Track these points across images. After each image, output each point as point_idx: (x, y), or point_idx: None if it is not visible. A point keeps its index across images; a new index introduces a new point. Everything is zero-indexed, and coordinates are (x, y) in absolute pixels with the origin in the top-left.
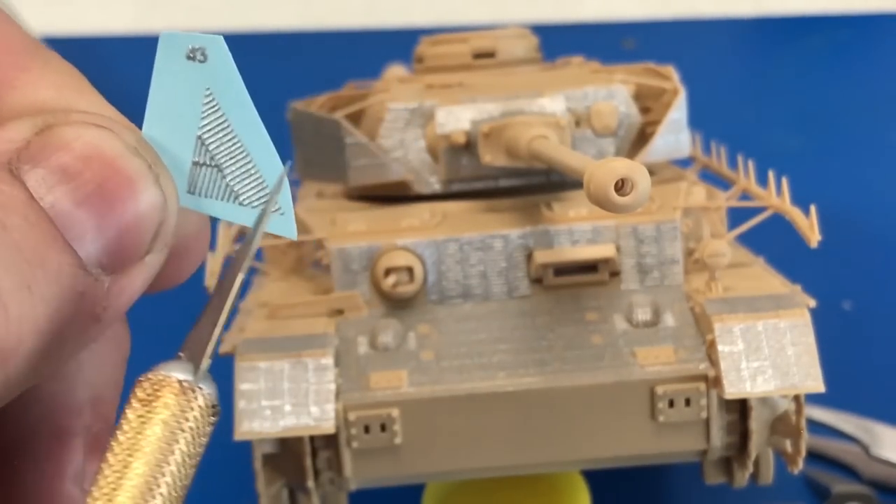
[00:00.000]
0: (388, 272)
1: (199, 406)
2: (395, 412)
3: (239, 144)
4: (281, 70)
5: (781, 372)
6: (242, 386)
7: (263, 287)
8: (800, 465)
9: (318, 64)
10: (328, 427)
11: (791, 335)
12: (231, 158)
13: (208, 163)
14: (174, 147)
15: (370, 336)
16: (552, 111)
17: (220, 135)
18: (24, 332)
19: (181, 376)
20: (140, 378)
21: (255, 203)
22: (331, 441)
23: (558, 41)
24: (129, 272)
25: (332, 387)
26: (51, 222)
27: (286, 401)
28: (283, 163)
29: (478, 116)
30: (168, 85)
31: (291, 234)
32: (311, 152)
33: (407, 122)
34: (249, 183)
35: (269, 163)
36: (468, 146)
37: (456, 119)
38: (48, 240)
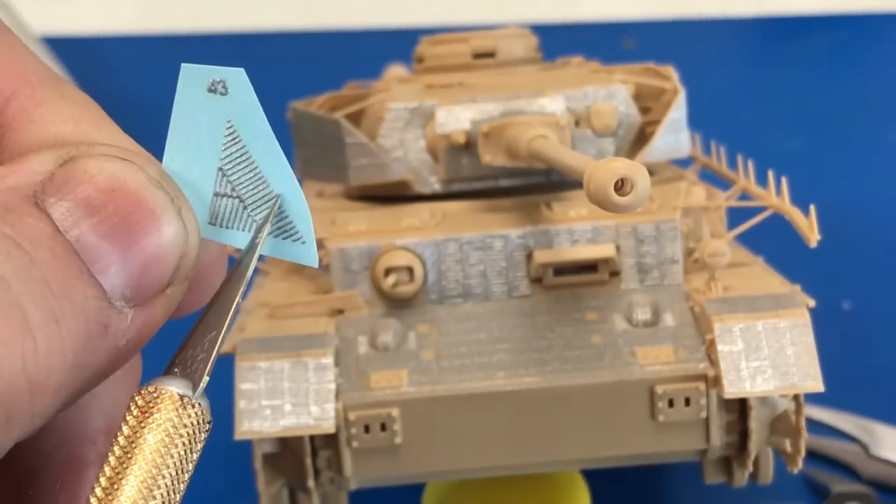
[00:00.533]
0: (388, 272)
1: (197, 422)
2: (395, 412)
3: (260, 175)
4: (281, 70)
5: (781, 372)
6: (243, 385)
7: (263, 287)
8: (799, 465)
9: (319, 64)
10: (328, 427)
11: (790, 335)
12: (252, 189)
13: (229, 194)
14: (195, 179)
15: (370, 336)
16: (552, 111)
17: (241, 166)
18: (52, 366)
19: (181, 391)
20: (140, 390)
21: (277, 233)
22: (331, 441)
23: (558, 41)
24: (151, 305)
25: (332, 386)
26: (77, 255)
27: (286, 400)
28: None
29: (478, 116)
30: (188, 117)
31: (313, 262)
32: (311, 152)
33: (407, 121)
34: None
35: (291, 193)
36: (468, 146)
37: (456, 119)
38: (74, 273)
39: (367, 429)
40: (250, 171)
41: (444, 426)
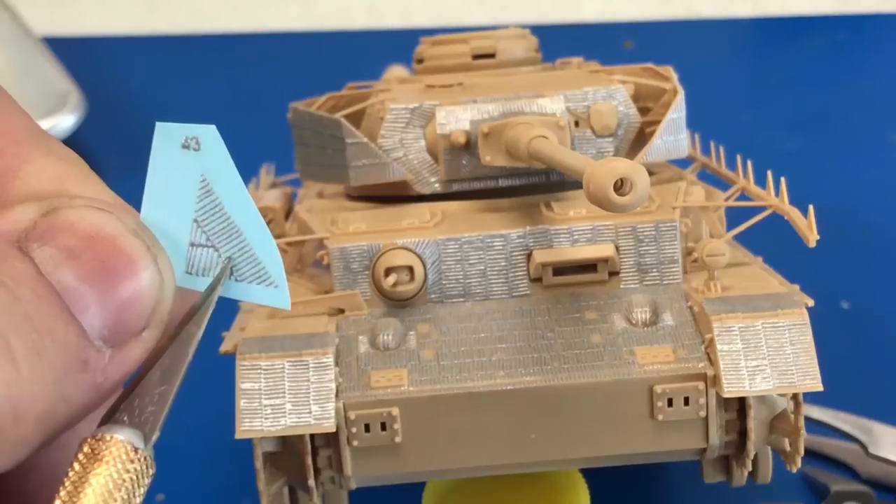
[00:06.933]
0: (388, 271)
1: (143, 469)
2: (395, 411)
3: (233, 225)
4: (281, 70)
5: (780, 371)
6: (243, 385)
7: None
8: (798, 464)
9: (319, 65)
10: (329, 426)
11: (790, 334)
12: (226, 238)
13: (204, 244)
14: (171, 230)
15: (370, 335)
16: (552, 111)
17: (215, 217)
18: (35, 394)
19: (134, 441)
20: (92, 436)
21: (251, 278)
22: (331, 440)
23: (558, 42)
24: (128, 346)
25: (333, 385)
26: (58, 296)
27: (287, 399)
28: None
29: (478, 117)
30: (164, 171)
31: (286, 305)
32: (311, 152)
33: (407, 122)
34: (244, 260)
35: (263, 240)
36: (468, 146)
37: (456, 119)
38: (55, 311)
39: (367, 428)
40: (224, 222)
41: (444, 425)
